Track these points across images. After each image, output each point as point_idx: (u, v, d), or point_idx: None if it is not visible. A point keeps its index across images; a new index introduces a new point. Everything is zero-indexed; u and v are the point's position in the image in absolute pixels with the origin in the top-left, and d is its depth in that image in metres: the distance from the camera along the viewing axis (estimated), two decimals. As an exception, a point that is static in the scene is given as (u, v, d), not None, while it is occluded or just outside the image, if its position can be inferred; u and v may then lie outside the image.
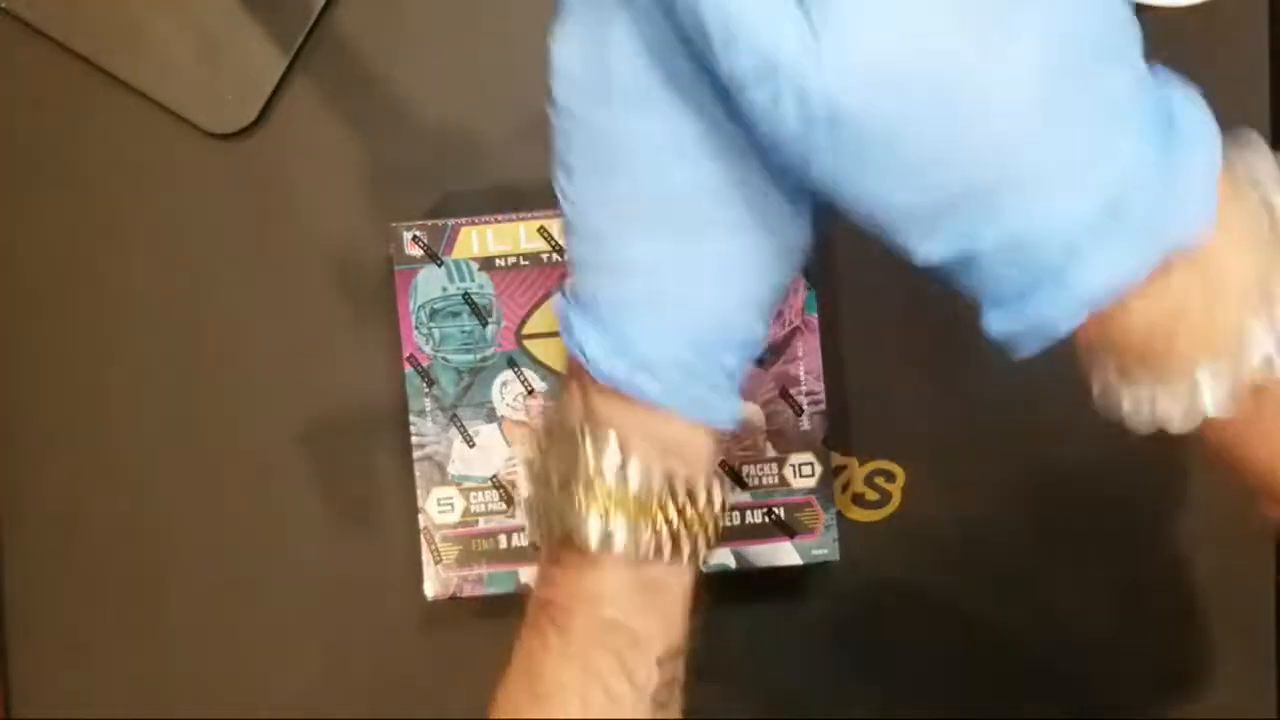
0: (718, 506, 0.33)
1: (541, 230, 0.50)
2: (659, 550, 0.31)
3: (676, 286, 0.31)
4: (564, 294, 0.33)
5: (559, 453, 0.32)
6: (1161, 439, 0.32)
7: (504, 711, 0.34)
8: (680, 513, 0.32)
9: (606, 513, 0.31)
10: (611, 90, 0.29)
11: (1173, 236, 0.26)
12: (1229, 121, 0.27)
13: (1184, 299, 0.26)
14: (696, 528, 0.32)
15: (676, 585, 0.33)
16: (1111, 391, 0.30)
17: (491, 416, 0.50)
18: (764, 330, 0.33)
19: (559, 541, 0.32)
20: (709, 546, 0.33)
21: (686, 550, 0.32)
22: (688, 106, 0.29)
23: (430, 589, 0.50)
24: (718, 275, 0.31)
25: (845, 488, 0.54)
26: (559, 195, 0.31)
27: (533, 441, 0.34)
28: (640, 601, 0.32)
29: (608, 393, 0.31)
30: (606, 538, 0.31)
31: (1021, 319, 0.28)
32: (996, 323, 0.29)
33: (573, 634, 0.32)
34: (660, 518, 0.31)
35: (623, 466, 0.31)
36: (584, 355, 0.31)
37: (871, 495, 0.55)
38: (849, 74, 0.25)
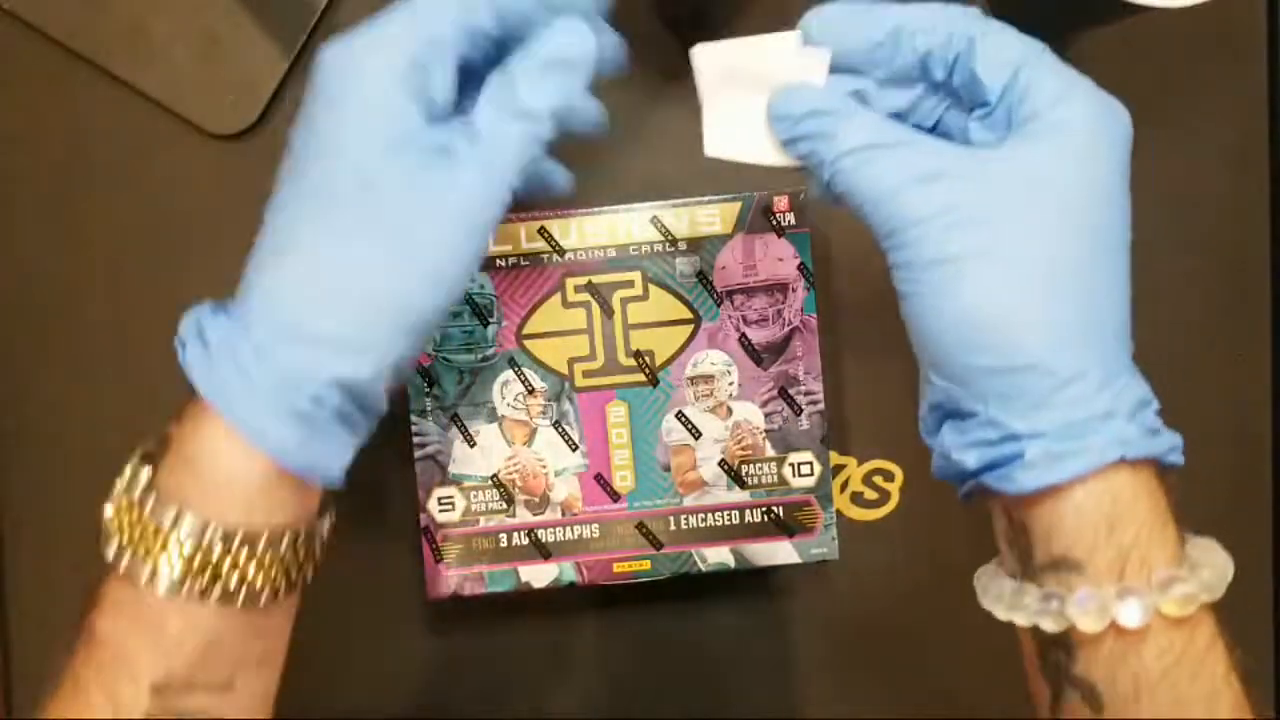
0: (291, 555, 0.34)
1: (542, 230, 0.50)
2: (204, 592, 0.32)
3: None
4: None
5: (125, 500, 0.35)
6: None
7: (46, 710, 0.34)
8: (235, 564, 0.32)
9: (147, 555, 0.32)
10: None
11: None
12: (1228, 124, 0.27)
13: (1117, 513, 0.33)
14: (256, 575, 0.33)
15: (183, 619, 0.33)
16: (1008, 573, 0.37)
17: (492, 416, 0.50)
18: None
19: (110, 565, 0.34)
20: (273, 591, 0.34)
21: (241, 597, 0.33)
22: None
23: (431, 588, 0.50)
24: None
25: (844, 487, 0.55)
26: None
27: (127, 469, 0.36)
28: (140, 628, 0.33)
29: (213, 418, 0.34)
30: (149, 578, 0.32)
31: (971, 455, 0.34)
32: (950, 439, 0.34)
33: (92, 642, 0.33)
34: (209, 570, 0.32)
35: (175, 525, 0.32)
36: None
37: (870, 494, 0.55)
38: None
